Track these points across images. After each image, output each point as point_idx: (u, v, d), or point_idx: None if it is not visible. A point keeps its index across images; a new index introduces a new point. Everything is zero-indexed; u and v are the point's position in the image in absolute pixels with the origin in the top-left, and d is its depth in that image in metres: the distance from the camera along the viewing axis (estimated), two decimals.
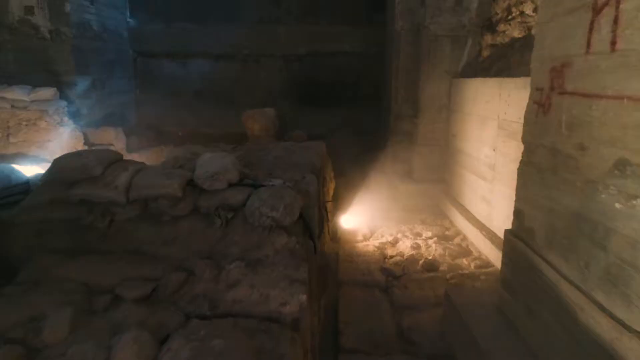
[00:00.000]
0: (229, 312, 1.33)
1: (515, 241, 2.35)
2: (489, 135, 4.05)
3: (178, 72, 8.07)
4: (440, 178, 5.40)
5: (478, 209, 4.35)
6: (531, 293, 2.15)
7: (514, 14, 4.58)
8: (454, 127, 5.11)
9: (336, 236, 4.08)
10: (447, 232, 4.53)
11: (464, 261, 3.82)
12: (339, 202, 4.58)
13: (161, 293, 1.45)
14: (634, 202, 1.46)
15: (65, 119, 5.25)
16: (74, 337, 1.20)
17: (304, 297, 1.33)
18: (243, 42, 7.85)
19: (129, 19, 7.07)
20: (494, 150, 3.97)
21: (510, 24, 4.60)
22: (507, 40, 4.63)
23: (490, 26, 4.98)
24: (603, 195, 1.62)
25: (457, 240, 4.32)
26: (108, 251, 1.75)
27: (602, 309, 1.61)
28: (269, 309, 1.32)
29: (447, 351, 2.62)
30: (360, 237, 4.38)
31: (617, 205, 1.55)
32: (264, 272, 1.48)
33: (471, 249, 4.09)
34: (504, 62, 4.56)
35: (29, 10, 5.07)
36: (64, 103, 5.30)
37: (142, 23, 7.35)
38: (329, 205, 3.65)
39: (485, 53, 4.98)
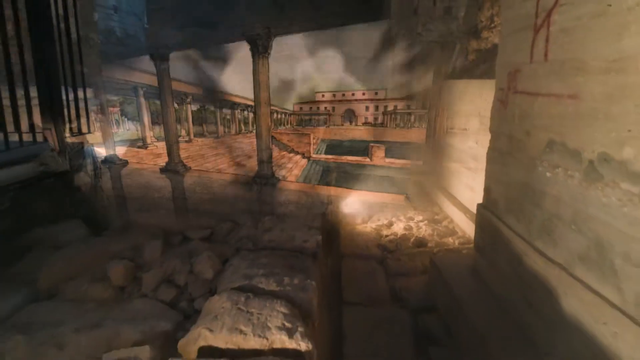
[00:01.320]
0: (267, 247, 1.88)
1: (484, 212, 2.91)
2: (473, 130, 4.62)
3: None
4: (432, 170, 5.96)
5: (463, 196, 4.91)
6: (494, 250, 2.71)
7: (495, 22, 5.15)
8: (445, 123, 5.67)
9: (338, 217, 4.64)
10: (436, 217, 5.09)
11: (450, 239, 4.38)
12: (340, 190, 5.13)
13: (216, 236, 1.98)
14: (557, 170, 2.02)
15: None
16: (164, 257, 1.76)
17: (319, 237, 1.86)
18: None
19: (145, 25, 7.62)
20: (476, 143, 4.53)
21: (492, 31, 5.17)
22: (489, 45, 5.20)
23: (475, 33, 5.55)
24: (539, 168, 2.19)
25: (445, 223, 4.88)
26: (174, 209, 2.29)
27: (539, 252, 2.17)
28: (294, 245, 1.86)
29: (430, 304, 3.18)
30: (359, 221, 4.94)
31: (547, 174, 2.11)
32: (289, 222, 2.02)
33: (457, 229, 4.65)
34: (487, 65, 5.14)
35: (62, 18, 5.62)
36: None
37: (157, 28, 7.90)
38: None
39: (471, 57, 5.55)
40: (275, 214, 2.10)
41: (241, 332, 1.37)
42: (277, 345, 1.35)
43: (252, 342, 1.34)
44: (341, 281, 3.44)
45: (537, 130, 2.23)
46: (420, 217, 4.99)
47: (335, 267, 3.68)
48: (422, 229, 4.63)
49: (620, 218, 1.60)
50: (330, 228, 3.29)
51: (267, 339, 1.36)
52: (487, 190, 2.92)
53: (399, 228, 4.69)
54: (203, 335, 1.39)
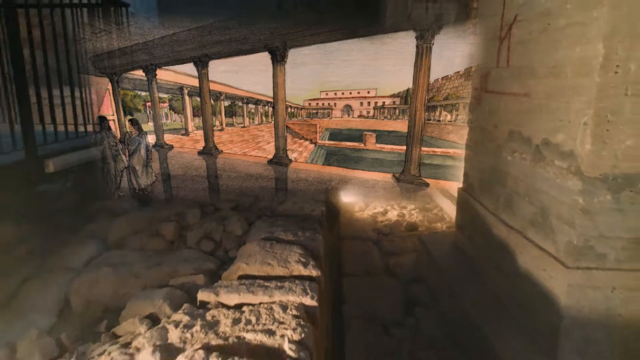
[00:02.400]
0: (282, 214, 2.35)
1: (464, 194, 3.40)
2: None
3: None
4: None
5: (452, 187, 5.39)
6: (471, 226, 3.19)
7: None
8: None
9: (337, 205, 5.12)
10: (427, 206, 5.58)
11: (438, 224, 4.86)
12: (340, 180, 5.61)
13: (241, 207, 2.46)
14: (515, 154, 2.51)
15: None
16: (202, 221, 2.23)
17: (323, 208, 2.33)
18: None
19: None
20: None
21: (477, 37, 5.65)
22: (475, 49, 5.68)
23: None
24: (503, 154, 2.67)
25: (435, 211, 5.36)
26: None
27: (503, 222, 2.66)
28: (304, 213, 2.34)
29: (418, 276, 3.66)
30: (357, 209, 5.42)
31: (509, 158, 2.60)
32: (299, 196, 2.49)
33: (445, 216, 5.13)
34: None
35: None
36: None
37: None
38: None
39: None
40: (288, 190, 2.58)
41: (269, 264, 1.85)
42: (296, 272, 1.82)
43: (278, 271, 1.82)
44: (341, 258, 3.92)
45: (502, 122, 2.71)
46: (413, 206, 5.47)
47: (336, 246, 4.16)
48: (414, 216, 5.11)
49: (555, 188, 2.09)
50: (332, 202, 3.78)
51: (288, 268, 1.83)
52: (466, 176, 3.41)
53: (393, 215, 5.18)
54: (242, 267, 1.87)
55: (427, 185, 4.89)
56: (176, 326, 1.52)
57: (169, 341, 1.45)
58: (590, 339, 1.98)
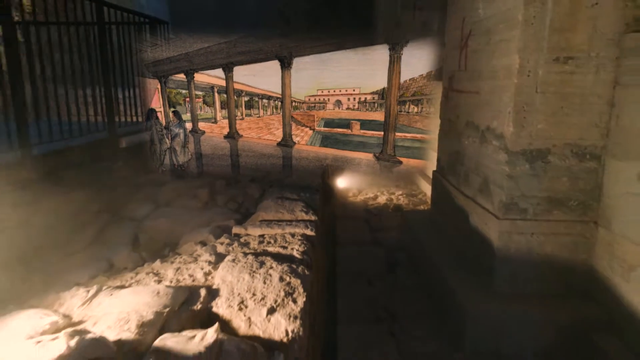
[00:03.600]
0: (288, 184, 3.04)
1: (436, 175, 4.10)
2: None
3: None
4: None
5: (421, 164, 6.09)
6: (441, 200, 3.89)
7: None
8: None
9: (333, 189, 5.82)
10: (413, 192, 6.28)
11: (422, 207, 5.57)
12: (336, 169, 6.31)
13: (255, 180, 3.13)
14: (469, 139, 3.21)
15: None
16: (227, 189, 2.92)
17: (320, 180, 3.01)
18: None
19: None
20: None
21: None
22: None
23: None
24: (462, 139, 3.37)
25: (419, 196, 6.07)
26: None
27: (462, 193, 3.35)
28: (307, 183, 3.02)
29: (400, 246, 4.36)
30: (350, 194, 6.12)
31: (465, 142, 3.30)
32: (302, 171, 3.16)
33: (428, 200, 5.83)
34: None
35: None
36: None
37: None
38: None
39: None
40: (292, 166, 3.26)
41: (280, 212, 2.54)
42: (300, 217, 2.51)
43: (287, 216, 2.51)
44: (336, 233, 4.62)
45: (462, 114, 3.42)
46: (400, 192, 6.17)
47: (332, 224, 4.86)
48: (401, 200, 5.81)
49: (492, 161, 2.79)
50: (327, 182, 4.50)
51: (294, 215, 2.52)
52: (438, 160, 4.11)
53: (382, 199, 5.88)
54: (261, 215, 2.56)
55: (400, 162, 5.89)
56: (221, 244, 2.22)
57: (218, 251, 2.14)
58: (516, 271, 2.68)
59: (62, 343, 1.16)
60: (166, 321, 1.44)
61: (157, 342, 1.29)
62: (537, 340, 2.53)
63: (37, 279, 2.30)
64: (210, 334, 1.31)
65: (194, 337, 1.31)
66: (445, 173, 3.88)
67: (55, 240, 2.74)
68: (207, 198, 3.66)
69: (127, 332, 1.34)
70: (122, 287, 1.70)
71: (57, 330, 1.35)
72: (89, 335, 1.22)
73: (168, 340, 1.30)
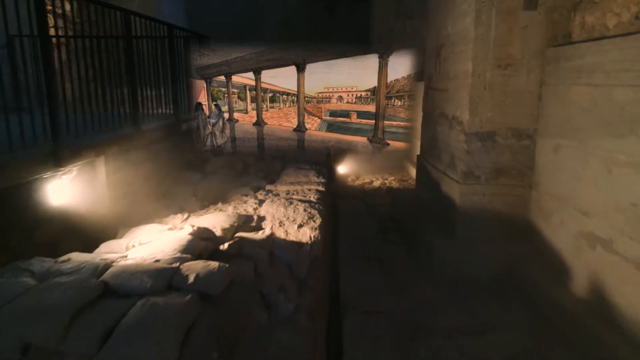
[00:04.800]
0: (302, 160, 3.96)
1: (420, 158, 5.03)
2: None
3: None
4: (405, 148, 8.07)
5: (402, 146, 7.03)
6: (423, 177, 4.82)
7: None
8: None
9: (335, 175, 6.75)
10: (404, 178, 7.21)
11: (410, 189, 6.49)
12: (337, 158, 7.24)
13: (278, 157, 4.05)
14: (441, 126, 4.14)
15: None
16: (256, 163, 3.85)
17: (326, 157, 3.91)
18: None
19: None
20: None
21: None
22: None
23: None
24: (437, 127, 4.30)
25: (409, 181, 6.99)
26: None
27: (436, 168, 4.28)
28: (316, 160, 3.93)
29: (390, 217, 5.28)
30: (349, 179, 7.04)
31: (438, 129, 4.23)
32: (311, 151, 4.07)
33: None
34: None
35: None
36: None
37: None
38: None
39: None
40: (305, 147, 4.20)
41: (298, 177, 3.48)
42: (312, 180, 3.45)
43: (303, 179, 3.44)
44: (338, 208, 5.55)
45: (436, 107, 4.35)
46: (393, 178, 7.10)
47: (334, 202, 5.79)
48: (393, 184, 6.74)
49: (456, 141, 3.71)
50: (331, 155, 5.63)
51: (309, 178, 3.46)
52: (421, 145, 5.04)
53: (377, 183, 6.80)
54: (284, 179, 3.50)
55: (388, 144, 7.31)
56: (260, 194, 3.15)
57: (259, 198, 3.06)
58: (471, 222, 3.60)
59: (188, 228, 2.07)
60: (236, 229, 2.36)
61: (236, 235, 2.21)
62: (485, 270, 3.46)
63: (138, 213, 3.28)
64: (267, 231, 2.23)
65: (257, 233, 2.24)
66: (426, 155, 4.81)
67: (143, 190, 3.86)
68: (242, 169, 4.62)
69: (216, 232, 2.26)
70: (202, 214, 2.60)
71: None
72: (201, 226, 2.14)
73: (242, 234, 2.22)
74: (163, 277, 1.99)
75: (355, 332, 2.77)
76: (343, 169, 7.27)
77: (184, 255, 2.12)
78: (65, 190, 2.86)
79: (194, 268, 1.98)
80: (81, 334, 1.68)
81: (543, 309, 3.00)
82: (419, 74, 6.72)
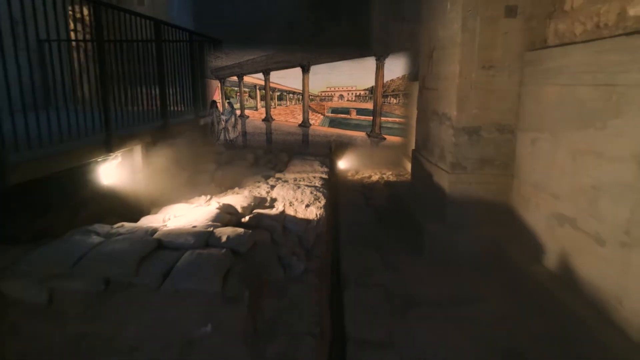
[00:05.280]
0: (307, 153, 4.36)
1: (414, 152, 5.42)
2: None
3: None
4: (402, 144, 8.48)
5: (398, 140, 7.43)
6: (417, 169, 5.22)
7: None
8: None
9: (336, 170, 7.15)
10: (400, 173, 7.61)
11: (407, 182, 6.89)
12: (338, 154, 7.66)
13: (285, 150, 4.44)
14: (434, 122, 4.54)
15: None
16: (265, 155, 4.26)
17: (328, 150, 4.31)
18: None
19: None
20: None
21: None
22: None
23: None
24: (430, 123, 4.70)
25: (406, 176, 7.39)
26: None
27: (429, 161, 4.67)
28: (318, 153, 4.34)
29: (387, 207, 5.68)
30: (349, 174, 7.44)
31: (431, 125, 4.63)
32: (315, 145, 4.47)
33: None
34: None
35: None
36: None
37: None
38: None
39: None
40: (309, 141, 4.61)
41: (304, 167, 3.88)
42: (317, 169, 3.85)
43: (308, 169, 3.85)
44: (338, 200, 5.95)
45: (429, 105, 4.74)
46: (390, 172, 7.50)
47: (335, 194, 6.19)
48: (390, 178, 7.14)
49: (446, 135, 4.11)
50: (332, 148, 6.10)
51: (313, 168, 3.87)
52: (416, 141, 5.44)
53: (375, 178, 7.20)
54: (291, 169, 3.90)
55: (384, 139, 7.97)
56: (271, 181, 3.56)
57: (270, 184, 3.46)
58: (460, 210, 4.00)
59: (215, 204, 2.47)
60: (253, 208, 2.76)
61: (254, 211, 2.61)
62: (471, 251, 3.86)
63: (166, 195, 3.72)
64: (279, 208, 2.63)
65: (271, 209, 2.63)
66: (420, 149, 5.21)
67: (170, 175, 4.41)
68: (253, 160, 5.11)
69: (237, 209, 2.66)
70: (222, 196, 3.00)
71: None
72: (225, 203, 2.54)
73: (259, 211, 2.62)
74: (201, 237, 2.54)
75: (355, 301, 3.17)
76: (343, 164, 7.67)
77: (215, 223, 2.65)
78: (112, 172, 3.38)
79: (225, 232, 2.45)
80: (147, 272, 2.24)
81: (521, 282, 3.40)
82: (413, 74, 7.19)
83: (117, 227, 2.71)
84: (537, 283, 3.25)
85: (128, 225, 2.73)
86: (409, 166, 7.71)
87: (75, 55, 4.70)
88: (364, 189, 6.60)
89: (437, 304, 3.29)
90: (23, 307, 1.85)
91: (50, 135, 2.99)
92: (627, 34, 2.52)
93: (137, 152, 3.90)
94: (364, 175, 7.39)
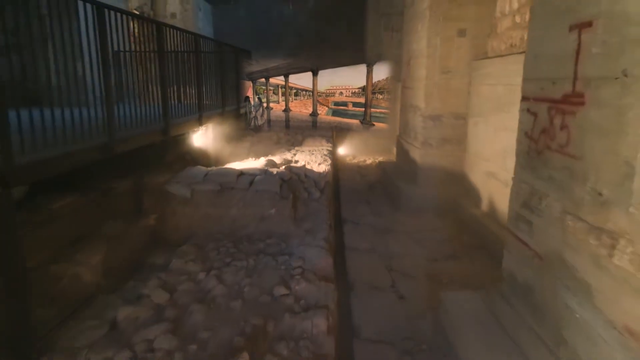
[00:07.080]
0: (318, 135, 5.87)
1: (398, 137, 6.95)
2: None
3: None
4: (387, 130, 10.00)
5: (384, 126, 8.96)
6: (399, 150, 6.74)
7: None
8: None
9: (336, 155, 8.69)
10: (391, 159, 9.13)
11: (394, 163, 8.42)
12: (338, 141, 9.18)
13: (299, 132, 5.94)
14: (410, 113, 6.06)
15: None
16: (286, 136, 5.80)
17: (331, 133, 5.78)
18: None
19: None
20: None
21: None
22: None
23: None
24: (408, 113, 6.22)
25: (393, 159, 8.92)
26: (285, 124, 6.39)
27: (409, 143, 6.19)
28: (324, 135, 5.82)
29: (377, 181, 7.20)
30: (348, 159, 8.96)
31: (409, 115, 6.15)
32: (320, 130, 5.95)
33: None
34: None
35: None
36: None
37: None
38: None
39: None
40: (317, 126, 6.12)
41: (315, 143, 5.36)
42: (324, 146, 5.34)
43: (318, 144, 5.34)
44: (339, 180, 7.48)
45: (407, 100, 6.27)
46: (382, 158, 9.01)
47: (336, 173, 7.72)
48: (381, 160, 8.68)
49: (417, 122, 5.63)
50: (334, 131, 7.58)
51: (321, 143, 5.36)
52: (399, 127, 6.96)
53: (369, 161, 8.73)
54: (305, 144, 5.40)
55: (373, 125, 9.74)
56: (292, 151, 5.06)
57: (292, 152, 4.94)
58: (428, 175, 5.51)
59: (263, 159, 3.99)
60: (284, 164, 4.29)
61: (286, 165, 4.14)
62: (434, 203, 5.37)
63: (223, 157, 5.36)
64: (302, 163, 4.16)
65: (296, 163, 4.16)
66: (402, 134, 6.74)
67: (224, 145, 6.03)
68: (276, 140, 6.77)
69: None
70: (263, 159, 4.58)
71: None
72: (269, 159, 4.07)
73: (290, 165, 4.15)
74: (262, 170, 4.38)
75: (351, 230, 4.69)
76: (343, 150, 9.20)
77: (266, 167, 4.21)
78: (200, 138, 5.08)
79: (274, 170, 4.11)
80: (241, 181, 4.27)
81: (464, 219, 4.92)
82: (395, 76, 8.80)
83: (210, 167, 4.52)
84: (473, 218, 4.77)
85: (216, 167, 4.44)
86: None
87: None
88: (360, 169, 8.12)
89: (406, 232, 4.80)
90: (178, 199, 3.40)
91: (174, 113, 4.60)
92: (519, 53, 4.04)
93: (209, 128, 5.64)
94: (360, 160, 8.91)
